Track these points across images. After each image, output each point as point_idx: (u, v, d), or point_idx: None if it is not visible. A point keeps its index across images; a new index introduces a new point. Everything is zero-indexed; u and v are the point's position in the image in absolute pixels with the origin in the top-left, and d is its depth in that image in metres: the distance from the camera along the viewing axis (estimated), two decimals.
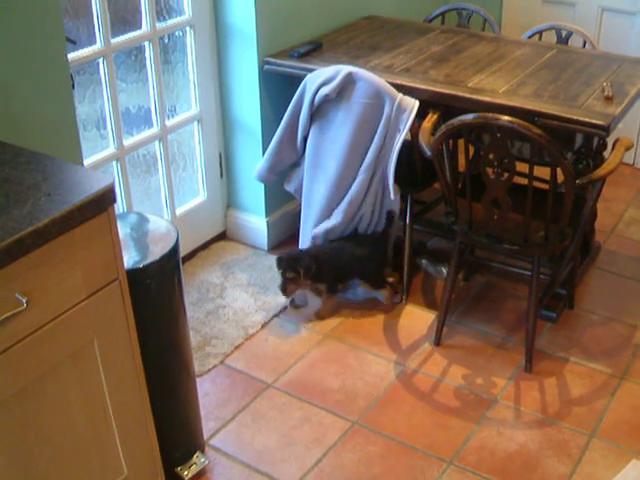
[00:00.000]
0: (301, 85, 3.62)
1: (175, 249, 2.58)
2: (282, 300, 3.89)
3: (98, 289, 2.22)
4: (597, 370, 3.50)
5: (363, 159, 3.58)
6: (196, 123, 4.07)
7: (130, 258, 2.49)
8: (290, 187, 3.96)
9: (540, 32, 4.51)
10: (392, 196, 3.57)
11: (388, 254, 3.90)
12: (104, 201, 2.14)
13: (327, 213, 3.76)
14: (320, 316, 3.83)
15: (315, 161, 3.71)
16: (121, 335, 2.37)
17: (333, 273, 3.77)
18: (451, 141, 3.44)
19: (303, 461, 3.06)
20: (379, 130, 3.50)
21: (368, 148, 3.55)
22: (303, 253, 3.76)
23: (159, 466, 2.71)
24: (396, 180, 3.57)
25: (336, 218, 3.72)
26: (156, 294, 2.57)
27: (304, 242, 3.92)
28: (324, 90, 3.49)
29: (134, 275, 2.42)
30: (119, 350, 2.38)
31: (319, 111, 3.59)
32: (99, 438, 2.42)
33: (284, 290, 3.69)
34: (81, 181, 2.20)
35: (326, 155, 3.66)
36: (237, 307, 3.85)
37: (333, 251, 3.78)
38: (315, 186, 3.76)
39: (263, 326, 3.76)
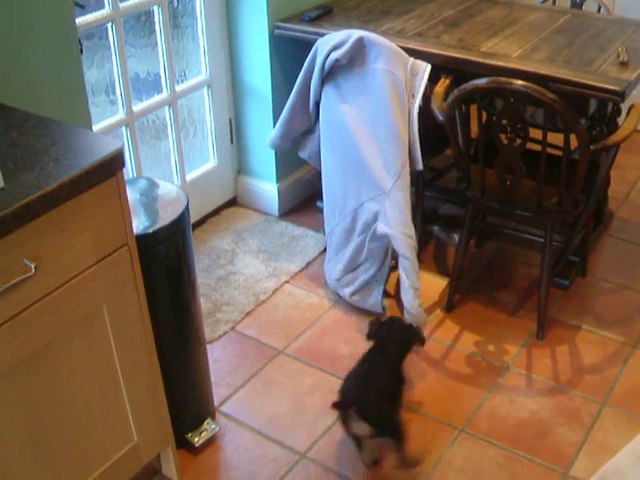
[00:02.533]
0: (312, 50, 3.58)
1: (185, 214, 2.56)
2: (293, 267, 3.88)
3: (107, 254, 2.21)
4: (609, 338, 3.48)
5: (387, 126, 3.50)
6: (206, 88, 4.04)
7: (140, 223, 2.47)
8: (304, 154, 3.92)
9: None
10: (420, 166, 3.48)
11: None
12: (113, 166, 2.12)
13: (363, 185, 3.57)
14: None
15: (330, 128, 3.67)
16: (131, 301, 2.36)
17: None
18: (464, 107, 3.40)
19: (314, 428, 3.05)
20: (396, 97, 3.44)
21: (388, 115, 3.48)
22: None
23: (169, 433, 2.71)
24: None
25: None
26: (166, 259, 2.56)
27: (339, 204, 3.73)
28: (335, 55, 3.45)
29: (143, 240, 2.41)
30: (129, 316, 2.37)
31: (332, 76, 3.55)
32: (109, 405, 2.42)
33: None
34: (89, 146, 2.18)
35: (344, 123, 3.61)
36: (248, 273, 3.84)
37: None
38: (331, 154, 3.70)
39: (274, 292, 3.74)
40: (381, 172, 3.41)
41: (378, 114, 3.42)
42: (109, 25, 3.41)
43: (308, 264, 3.93)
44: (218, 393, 3.17)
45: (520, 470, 2.87)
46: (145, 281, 2.40)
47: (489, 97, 3.58)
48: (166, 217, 2.52)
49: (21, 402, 2.13)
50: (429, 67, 3.40)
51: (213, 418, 3.03)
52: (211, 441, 2.98)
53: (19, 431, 2.15)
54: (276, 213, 4.31)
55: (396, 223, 3.35)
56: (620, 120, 3.49)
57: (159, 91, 3.81)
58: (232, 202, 4.42)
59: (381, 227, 3.39)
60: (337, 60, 3.43)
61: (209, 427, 2.97)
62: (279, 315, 3.62)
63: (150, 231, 2.46)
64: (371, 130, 3.44)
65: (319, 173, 3.83)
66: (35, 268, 1.98)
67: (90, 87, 3.38)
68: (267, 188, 4.29)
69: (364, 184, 3.47)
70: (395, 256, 3.48)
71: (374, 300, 3.58)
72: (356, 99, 3.49)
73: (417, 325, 3.23)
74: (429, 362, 3.35)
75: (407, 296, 3.37)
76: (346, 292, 3.64)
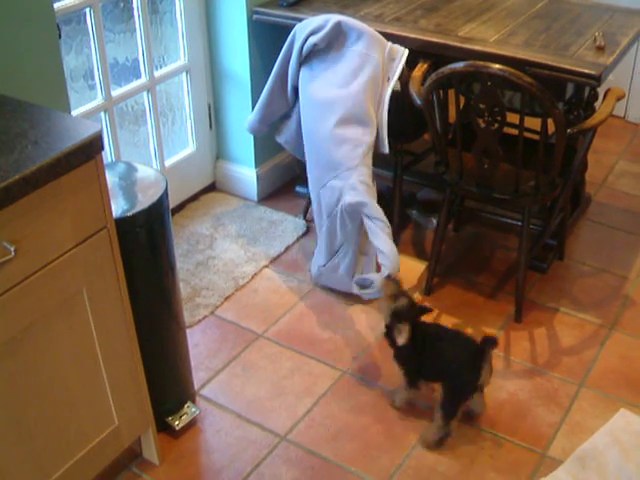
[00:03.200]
0: (290, 34, 3.58)
1: (164, 197, 2.57)
2: (272, 251, 3.90)
3: (86, 237, 2.21)
4: (587, 320, 3.51)
5: (359, 107, 3.50)
6: (185, 74, 4.04)
7: (119, 207, 2.47)
8: (281, 139, 3.93)
9: None
10: (386, 149, 3.52)
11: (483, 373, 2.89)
12: (92, 149, 2.12)
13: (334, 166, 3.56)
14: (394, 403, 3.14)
15: (309, 111, 3.68)
16: (110, 284, 2.36)
17: (430, 367, 2.99)
18: (441, 91, 3.41)
19: (294, 410, 3.07)
20: (374, 81, 3.45)
21: (360, 96, 3.49)
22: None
23: (150, 416, 2.72)
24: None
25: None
26: (145, 243, 2.56)
27: (311, 188, 3.77)
28: (312, 39, 3.45)
29: (123, 224, 2.41)
30: (109, 299, 2.37)
31: (308, 60, 3.55)
32: (90, 388, 2.42)
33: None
34: (68, 129, 2.18)
35: (316, 104, 3.62)
36: (227, 258, 3.85)
37: (434, 333, 3.01)
38: (313, 136, 3.70)
39: (253, 277, 3.75)
40: (347, 151, 3.38)
41: (350, 95, 3.43)
42: (87, 10, 3.40)
43: (287, 249, 3.94)
44: (198, 377, 3.18)
45: (499, 451, 2.90)
46: (125, 265, 2.40)
47: (467, 82, 3.59)
48: (145, 201, 2.52)
49: (1, 385, 2.13)
50: (406, 52, 3.41)
51: (193, 401, 3.04)
52: (191, 424, 2.99)
53: None
54: (255, 198, 4.32)
55: (365, 192, 3.34)
56: (597, 104, 3.52)
57: (138, 76, 3.81)
58: (211, 187, 4.42)
59: (350, 197, 3.36)
60: (315, 45, 3.44)
61: (189, 410, 2.97)
62: (258, 299, 3.63)
63: (129, 214, 2.46)
64: (342, 111, 3.44)
65: (296, 158, 3.84)
66: (15, 251, 1.99)
67: (69, 72, 3.37)
68: (246, 173, 4.29)
69: (329, 165, 3.44)
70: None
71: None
72: (331, 81, 3.50)
73: (393, 267, 3.20)
74: None
75: (380, 239, 3.28)
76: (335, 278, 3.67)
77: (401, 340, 2.85)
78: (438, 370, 2.94)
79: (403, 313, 2.87)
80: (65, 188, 2.09)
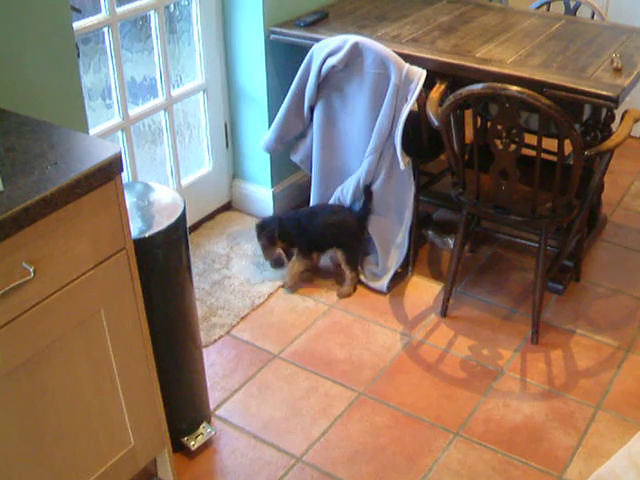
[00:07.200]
0: (308, 55, 3.59)
1: (182, 218, 2.57)
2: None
3: (105, 258, 2.21)
4: (603, 342, 3.49)
5: (370, 127, 3.57)
6: (202, 93, 4.05)
7: (137, 228, 2.47)
8: (296, 158, 3.95)
9: (548, 3, 4.48)
10: (402, 166, 3.54)
11: (363, 222, 3.81)
12: (111, 170, 2.13)
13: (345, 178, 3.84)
14: (285, 281, 3.84)
15: (328, 132, 3.70)
16: (128, 305, 2.36)
17: (306, 239, 3.77)
18: (458, 112, 3.41)
19: (309, 432, 3.06)
20: (388, 102, 3.47)
21: (374, 117, 3.54)
22: (272, 220, 3.87)
23: (166, 437, 2.71)
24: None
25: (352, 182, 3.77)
26: (163, 264, 2.56)
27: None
28: (331, 61, 3.46)
29: (141, 245, 2.41)
30: (126, 320, 2.37)
31: (329, 81, 3.57)
32: (106, 408, 2.42)
33: (263, 255, 3.84)
34: (88, 150, 2.19)
35: (343, 126, 3.64)
36: (243, 278, 3.85)
37: (305, 217, 3.81)
38: (330, 155, 3.77)
39: (269, 297, 3.75)
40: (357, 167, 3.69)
41: (367, 117, 3.47)
42: (105, 30, 3.42)
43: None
44: (214, 397, 3.18)
45: (515, 474, 2.88)
46: (142, 285, 2.40)
47: (484, 102, 3.59)
48: (163, 221, 2.52)
49: (18, 405, 2.13)
50: (424, 74, 3.41)
51: (209, 422, 3.03)
52: (207, 445, 2.98)
53: (16, 435, 2.15)
54: None
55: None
56: (614, 126, 3.51)
57: (155, 95, 3.82)
58: (227, 206, 4.42)
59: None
60: (334, 66, 3.45)
61: (205, 431, 2.97)
62: (274, 319, 3.62)
63: (147, 235, 2.46)
64: (357, 132, 3.51)
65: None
66: (34, 272, 1.99)
67: (86, 91, 3.38)
68: (262, 192, 4.30)
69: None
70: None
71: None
72: (349, 103, 3.52)
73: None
74: (424, 366, 3.36)
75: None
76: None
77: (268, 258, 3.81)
78: (329, 240, 3.76)
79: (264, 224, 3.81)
80: (84, 209, 2.09)
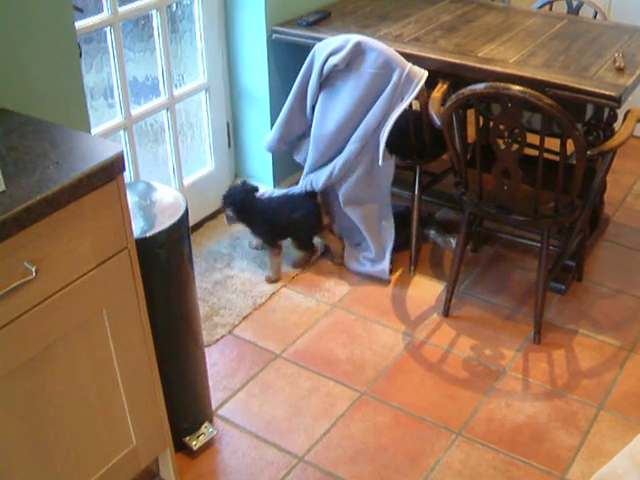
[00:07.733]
0: (310, 54, 3.59)
1: (184, 218, 2.57)
2: (290, 270, 3.89)
3: (107, 258, 2.21)
4: (606, 342, 3.49)
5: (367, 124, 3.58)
6: (204, 92, 4.05)
7: (139, 227, 2.47)
8: (299, 158, 3.95)
9: (550, 2, 4.48)
10: (380, 162, 3.55)
11: (322, 217, 3.91)
12: (113, 169, 2.13)
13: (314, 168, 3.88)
14: (269, 275, 3.90)
15: (319, 129, 3.70)
16: (130, 304, 2.36)
17: (264, 229, 3.85)
18: (460, 111, 3.41)
19: (311, 431, 3.06)
20: (384, 98, 3.47)
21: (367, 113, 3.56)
22: (236, 195, 3.84)
23: (168, 436, 2.71)
24: (398, 150, 3.58)
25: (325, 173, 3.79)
26: (165, 263, 2.56)
27: None
28: (333, 60, 3.46)
29: (143, 244, 2.40)
30: (128, 320, 2.37)
31: (328, 80, 3.57)
32: (108, 408, 2.42)
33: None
34: (90, 149, 2.19)
35: (329, 122, 3.65)
36: (245, 277, 3.84)
37: (271, 210, 3.85)
38: (318, 151, 3.79)
39: (271, 296, 3.75)
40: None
41: (357, 112, 3.50)
42: (108, 29, 3.42)
43: (305, 268, 3.93)
44: (216, 397, 3.18)
45: (517, 474, 2.88)
46: (144, 285, 2.40)
47: (486, 102, 3.59)
48: (165, 221, 2.52)
49: (20, 405, 2.13)
50: (425, 74, 3.42)
51: (211, 422, 3.03)
52: (209, 445, 2.98)
53: (18, 434, 2.15)
54: None
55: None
56: (616, 125, 3.51)
57: (157, 95, 3.82)
58: None
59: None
60: (336, 65, 3.45)
61: (207, 431, 2.97)
62: (276, 319, 3.62)
63: (149, 235, 2.46)
64: (343, 126, 3.62)
65: None
66: (36, 271, 1.99)
67: (89, 91, 3.38)
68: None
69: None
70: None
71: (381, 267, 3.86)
72: (340, 100, 3.52)
73: None
74: (426, 366, 3.36)
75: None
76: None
77: (227, 221, 3.88)
78: (288, 233, 3.89)
79: (228, 198, 3.81)
80: (86, 209, 2.09)
